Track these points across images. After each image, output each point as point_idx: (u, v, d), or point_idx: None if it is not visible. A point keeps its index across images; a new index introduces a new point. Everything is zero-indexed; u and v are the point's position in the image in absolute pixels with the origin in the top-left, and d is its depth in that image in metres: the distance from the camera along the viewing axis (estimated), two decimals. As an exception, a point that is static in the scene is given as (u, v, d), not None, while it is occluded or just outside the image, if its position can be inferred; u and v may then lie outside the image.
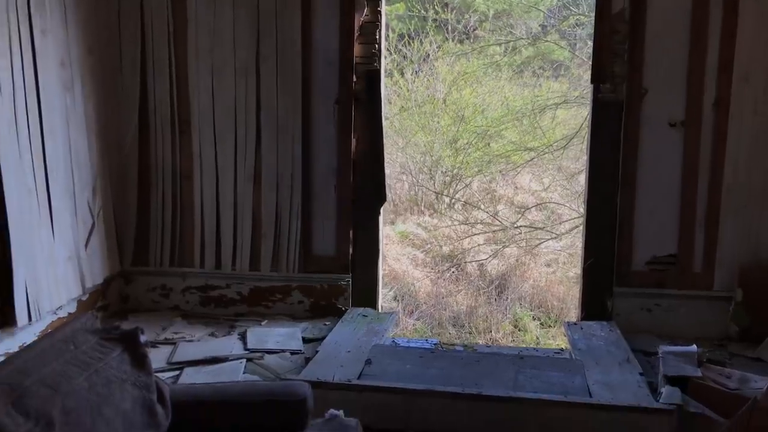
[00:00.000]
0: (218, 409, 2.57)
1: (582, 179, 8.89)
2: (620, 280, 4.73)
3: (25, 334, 4.10)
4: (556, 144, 8.85)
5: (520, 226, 8.88)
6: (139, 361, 2.49)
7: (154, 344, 4.52)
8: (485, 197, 10.10)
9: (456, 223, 9.42)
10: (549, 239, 8.81)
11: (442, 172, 10.27)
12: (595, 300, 4.78)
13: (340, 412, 2.63)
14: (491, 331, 7.59)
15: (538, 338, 7.54)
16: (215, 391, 2.60)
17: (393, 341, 4.55)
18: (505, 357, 4.02)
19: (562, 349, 4.44)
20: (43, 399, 2.06)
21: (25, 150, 4.08)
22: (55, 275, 4.36)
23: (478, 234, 9.10)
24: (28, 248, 4.08)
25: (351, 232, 5.01)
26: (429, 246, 9.20)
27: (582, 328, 4.49)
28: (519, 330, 7.74)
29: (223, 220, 5.07)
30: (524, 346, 5.41)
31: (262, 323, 4.90)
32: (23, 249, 4.02)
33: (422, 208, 10.44)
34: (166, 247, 5.15)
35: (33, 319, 4.11)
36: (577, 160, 9.04)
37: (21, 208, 4.02)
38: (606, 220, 4.70)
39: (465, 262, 8.68)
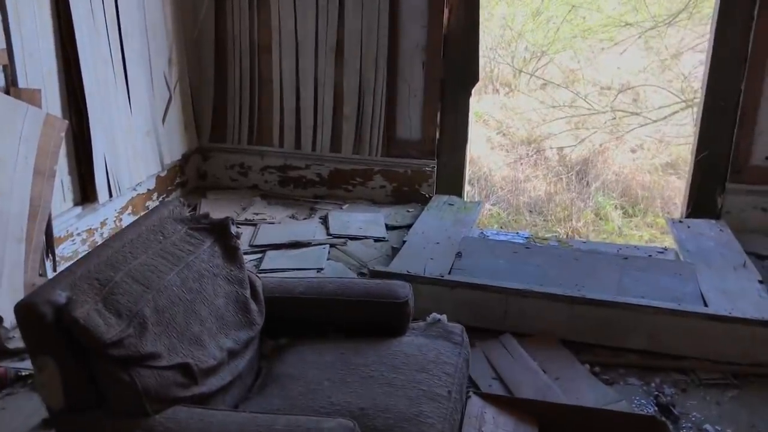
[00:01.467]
0: (312, 306, 2.39)
1: (686, 60, 8.14)
2: (734, 176, 4.30)
3: (106, 210, 4.02)
4: (657, 19, 8.04)
5: (612, 110, 8.30)
6: (231, 254, 2.31)
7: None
8: (570, 77, 9.45)
9: (537, 103, 8.87)
10: (639, 126, 8.23)
11: (523, 48, 9.58)
12: (705, 196, 4.37)
13: (443, 317, 2.42)
14: (571, 220, 7.28)
15: (620, 228, 7.20)
16: (309, 288, 2.42)
17: (482, 233, 4.31)
18: (606, 256, 3.73)
19: (665, 248, 4.11)
20: (135, 296, 1.89)
21: (98, 10, 3.80)
22: (134, 150, 4.22)
23: (561, 119, 8.57)
24: (107, 122, 3.90)
25: (438, 114, 4.66)
26: (505, 128, 8.74)
27: (689, 227, 4.13)
28: (600, 219, 7.40)
29: (303, 98, 4.78)
30: (621, 243, 5.07)
31: (343, 207, 4.71)
32: (102, 122, 3.85)
33: (497, 87, 9.86)
34: (244, 125, 4.93)
35: (113, 195, 4.01)
36: (681, 40, 8.24)
37: (98, 79, 3.81)
38: (726, 107, 4.20)
39: (547, 148, 8.24)
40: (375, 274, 3.36)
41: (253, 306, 2.28)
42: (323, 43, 4.63)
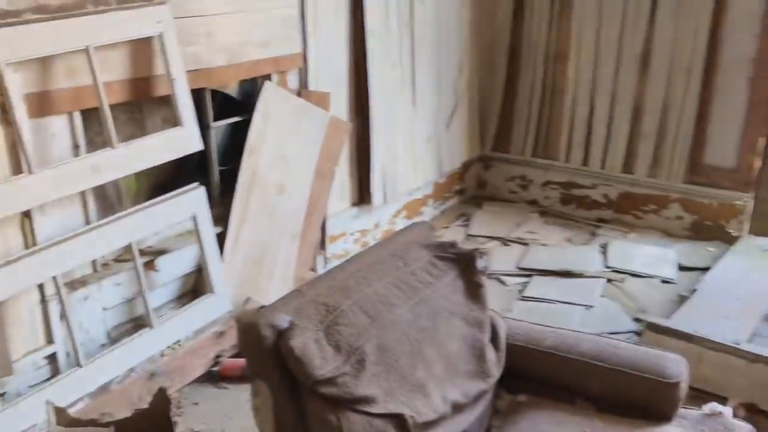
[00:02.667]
0: (561, 365, 2.05)
1: None
2: None
3: (380, 212, 4.05)
4: None
5: None
6: (474, 291, 2.07)
7: (504, 241, 4.16)
8: None
9: None
10: None
11: None
12: None
13: (727, 409, 1.91)
14: None
15: None
16: (560, 343, 2.08)
17: (802, 291, 3.49)
18: None
19: None
20: (359, 329, 1.75)
21: (393, 15, 3.81)
22: (413, 155, 4.19)
23: None
24: (388, 126, 3.92)
25: (765, 140, 3.88)
26: None
27: None
28: None
29: (597, 111, 4.34)
30: None
31: (628, 236, 4.18)
32: (383, 126, 3.87)
33: None
34: (530, 135, 4.64)
35: (388, 199, 4.02)
36: None
37: (384, 84, 3.83)
38: None
39: None
40: (651, 327, 2.87)
41: (491, 354, 2.01)
42: (627, 51, 4.14)
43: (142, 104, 2.94)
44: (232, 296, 3.08)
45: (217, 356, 3.00)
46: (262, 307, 3.10)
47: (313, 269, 3.63)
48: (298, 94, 3.38)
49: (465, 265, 2.08)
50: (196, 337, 2.90)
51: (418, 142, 4.20)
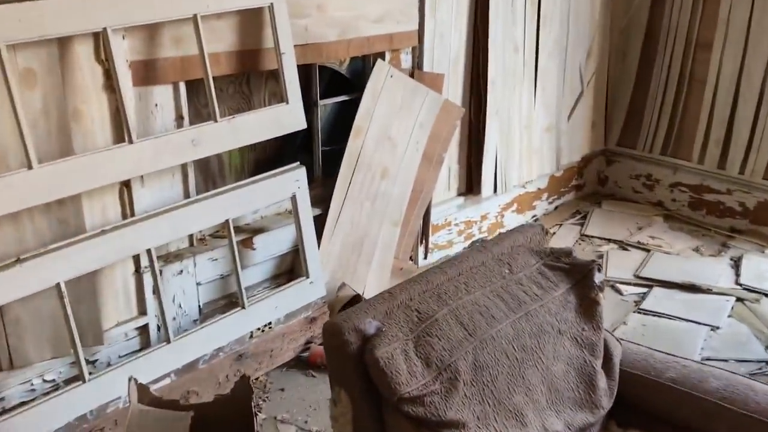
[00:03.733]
0: (682, 403, 1.77)
1: None
2: None
3: (489, 204, 3.83)
4: None
5: None
6: (588, 309, 1.82)
7: (623, 245, 3.83)
8: None
9: None
10: None
11: None
12: None
13: None
14: None
15: None
16: (684, 377, 1.80)
17: None
18: None
19: None
20: (453, 343, 1.57)
21: (519, -2, 3.56)
22: (530, 145, 3.92)
23: None
24: (505, 113, 3.67)
25: None
26: None
27: None
28: None
29: (741, 108, 3.89)
30: None
31: (766, 251, 3.74)
32: (499, 113, 3.62)
33: None
34: (661, 131, 4.24)
35: (498, 190, 3.78)
36: None
37: (504, 67, 3.58)
38: None
39: None
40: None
41: (602, 382, 1.77)
42: (784, 42, 3.68)
43: (250, 76, 2.85)
44: (328, 281, 2.97)
45: (308, 342, 2.90)
46: (356, 295, 3.01)
47: (413, 259, 3.47)
48: (411, 74, 3.20)
49: (580, 278, 1.84)
50: (287, 321, 2.81)
51: (535, 131, 3.92)
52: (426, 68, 3.25)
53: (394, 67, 3.10)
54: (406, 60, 3.18)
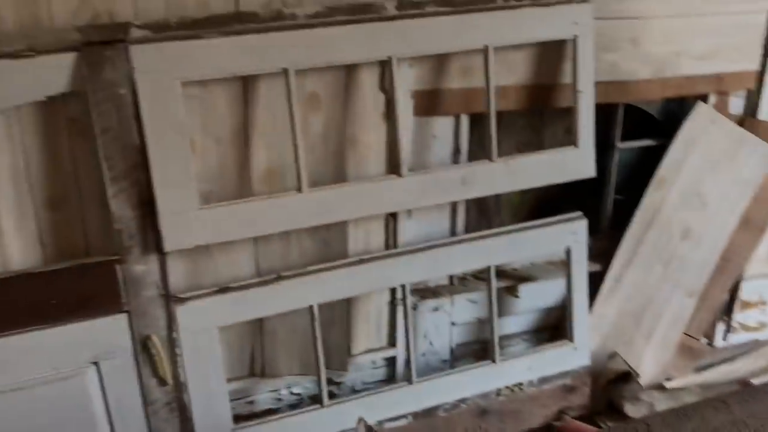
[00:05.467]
0: None
1: None
2: None
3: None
4: None
5: None
6: None
7: None
8: None
9: None
10: None
11: None
12: None
13: None
14: None
15: None
16: None
17: None
18: None
19: None
20: None
21: None
22: None
23: None
24: None
25: None
26: None
27: None
28: None
29: None
30: None
31: None
32: None
33: None
34: None
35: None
36: None
37: None
38: None
39: None
40: None
41: None
42: None
43: (544, 110, 2.61)
44: (596, 349, 2.61)
45: (561, 411, 2.59)
46: (628, 372, 2.60)
47: (710, 339, 2.92)
48: (740, 122, 2.66)
49: None
50: (540, 385, 2.53)
51: None
52: (763, 116, 2.68)
53: (719, 113, 2.60)
54: (736, 105, 2.65)
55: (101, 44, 1.78)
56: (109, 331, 1.97)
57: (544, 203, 2.75)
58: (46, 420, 1.96)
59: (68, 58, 1.77)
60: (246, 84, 2.01)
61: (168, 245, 1.93)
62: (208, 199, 2.05)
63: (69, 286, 1.91)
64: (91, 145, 1.86)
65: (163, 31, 1.82)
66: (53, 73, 1.78)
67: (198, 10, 1.91)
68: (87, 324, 1.94)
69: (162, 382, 2.05)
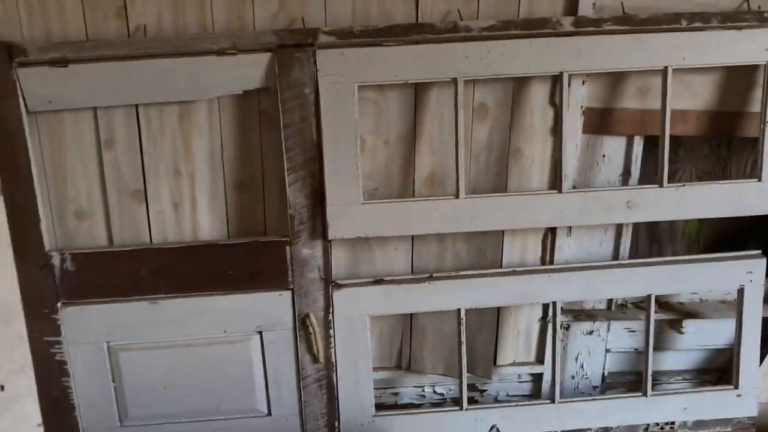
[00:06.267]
0: None
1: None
2: None
3: None
4: None
5: None
6: None
7: None
8: None
9: None
10: None
11: None
12: None
13: None
14: None
15: None
16: None
17: None
18: None
19: None
20: None
21: None
22: None
23: None
24: None
25: None
26: None
27: None
28: None
29: None
30: None
31: None
32: None
33: None
34: None
35: None
36: None
37: None
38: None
39: None
40: None
41: None
42: None
43: (732, 139, 2.45)
44: (766, 400, 2.41)
45: (717, 461, 2.41)
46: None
47: None
48: None
49: None
50: (696, 429, 2.37)
51: None
52: None
53: None
54: None
55: (293, 47, 1.99)
56: (274, 305, 2.18)
57: (726, 238, 2.57)
58: (213, 375, 2.22)
59: (264, 58, 2.00)
60: (417, 91, 2.13)
61: (332, 233, 2.10)
62: (372, 195, 2.19)
63: (245, 259, 2.14)
64: (276, 137, 2.08)
65: (347, 38, 1.99)
66: (251, 70, 2.01)
67: (381, 20, 2.06)
68: (256, 296, 2.17)
69: (315, 359, 2.22)
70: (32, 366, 2.10)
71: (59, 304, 2.11)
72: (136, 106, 2.08)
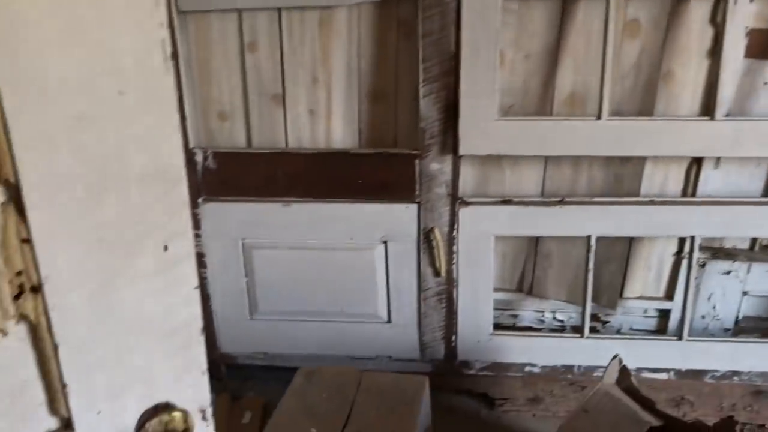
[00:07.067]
0: None
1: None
2: None
3: None
4: None
5: None
6: None
7: None
8: None
9: None
10: None
11: None
12: None
13: None
14: None
15: None
16: None
17: None
18: None
19: None
20: None
21: None
22: None
23: None
24: None
25: None
26: None
27: None
28: None
29: None
30: None
31: None
32: None
33: None
34: None
35: None
36: None
37: None
38: None
39: None
40: None
41: None
42: None
43: None
44: None
45: None
46: None
47: None
48: None
49: None
50: (837, 383, 2.22)
51: None
52: None
53: None
54: None
55: (437, -47, 1.93)
56: (401, 217, 2.20)
57: None
58: (338, 280, 2.29)
59: (407, -36, 1.95)
60: (565, 3, 2.02)
61: (463, 149, 2.07)
62: (507, 112, 2.13)
63: (374, 170, 2.17)
64: (413, 48, 2.05)
65: (494, -57, 1.90)
66: (393, -23, 1.98)
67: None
68: (384, 206, 2.19)
69: (437, 273, 2.24)
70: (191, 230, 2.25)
71: (200, 200, 2.24)
72: (279, 9, 2.10)
